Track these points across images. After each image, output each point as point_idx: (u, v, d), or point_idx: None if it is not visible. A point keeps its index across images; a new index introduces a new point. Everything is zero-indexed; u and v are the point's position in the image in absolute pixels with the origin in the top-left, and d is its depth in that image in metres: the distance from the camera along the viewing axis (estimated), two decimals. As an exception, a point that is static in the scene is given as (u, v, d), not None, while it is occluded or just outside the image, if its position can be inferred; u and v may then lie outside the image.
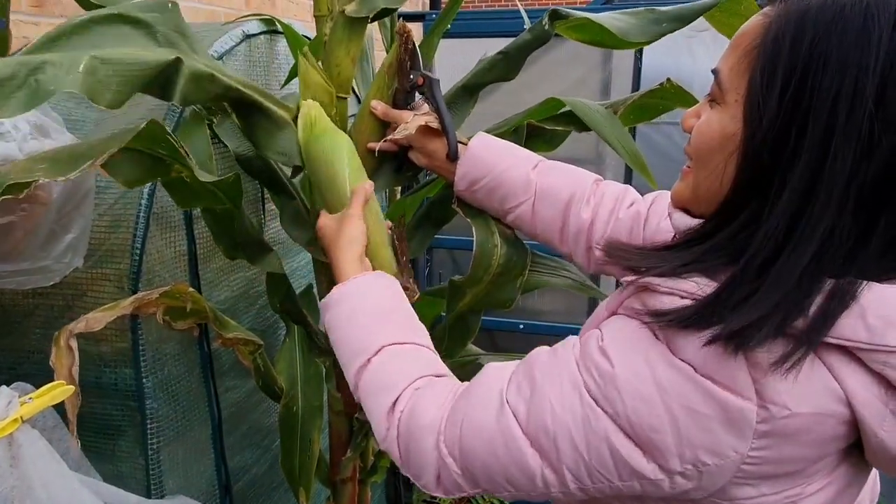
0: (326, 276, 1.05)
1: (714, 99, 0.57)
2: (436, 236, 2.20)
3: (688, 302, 0.51)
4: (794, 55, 0.49)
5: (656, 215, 0.84)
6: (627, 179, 1.94)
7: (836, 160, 0.47)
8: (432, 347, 0.73)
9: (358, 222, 0.79)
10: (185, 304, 0.99)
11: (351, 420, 1.14)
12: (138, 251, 0.95)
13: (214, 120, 1.03)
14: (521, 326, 1.97)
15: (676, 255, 0.55)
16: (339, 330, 0.73)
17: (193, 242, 1.05)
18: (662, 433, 0.51)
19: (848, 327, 0.48)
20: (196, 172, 0.82)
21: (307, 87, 0.90)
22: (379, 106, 0.91)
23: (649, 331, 0.54)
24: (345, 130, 0.96)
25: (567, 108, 0.92)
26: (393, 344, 0.69)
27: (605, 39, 0.90)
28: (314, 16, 0.92)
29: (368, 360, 0.69)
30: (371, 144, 0.94)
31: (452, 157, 0.88)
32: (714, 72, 0.57)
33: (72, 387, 0.67)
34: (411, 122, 0.88)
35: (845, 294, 0.48)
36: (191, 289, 0.99)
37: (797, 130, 0.49)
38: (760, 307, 0.48)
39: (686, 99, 0.93)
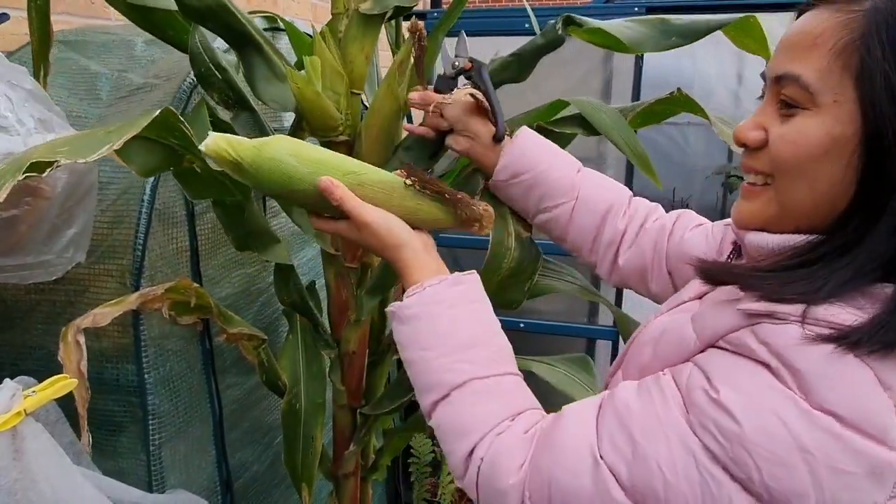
0: (334, 268, 1.05)
1: (792, 105, 0.53)
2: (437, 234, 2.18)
3: (831, 332, 0.46)
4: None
5: (681, 228, 0.83)
6: (629, 179, 1.93)
7: None
8: (515, 370, 0.67)
9: (389, 221, 0.69)
10: (189, 299, 0.99)
11: (354, 413, 1.14)
12: (140, 247, 0.95)
13: (227, 114, 1.02)
14: (522, 325, 1.97)
15: (816, 278, 0.49)
16: (414, 352, 0.66)
17: (195, 238, 1.04)
18: (805, 497, 0.46)
19: None
20: (208, 162, 0.82)
21: (323, 77, 0.90)
22: (415, 94, 0.87)
23: (770, 373, 0.48)
24: (356, 127, 0.96)
25: (572, 111, 0.92)
26: (474, 379, 0.63)
27: (614, 45, 0.90)
28: (332, 13, 0.93)
29: (448, 394, 0.63)
30: (407, 126, 0.91)
31: (499, 137, 0.83)
32: (785, 78, 0.53)
33: (74, 380, 0.66)
34: (456, 94, 0.85)
35: None
36: (195, 284, 0.99)
37: None
38: None
39: (693, 107, 0.93)
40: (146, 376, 0.96)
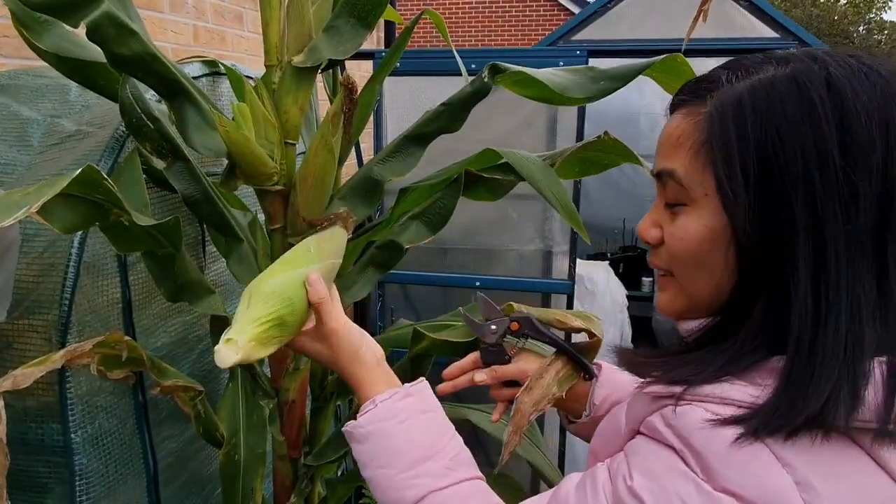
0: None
1: (675, 202, 0.56)
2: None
3: (733, 411, 0.48)
4: (743, 139, 0.50)
5: None
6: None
7: (827, 223, 0.48)
8: (473, 473, 0.69)
9: (348, 329, 0.73)
10: (120, 352, 0.96)
11: (296, 464, 1.12)
12: (67, 301, 0.92)
13: (161, 162, 1.01)
14: (478, 283, 1.93)
15: (705, 359, 0.52)
16: (373, 470, 0.68)
17: (128, 289, 1.02)
18: None
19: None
20: (135, 216, 0.81)
21: (256, 125, 0.90)
22: (485, 375, 0.83)
23: (676, 456, 0.49)
24: (291, 176, 0.96)
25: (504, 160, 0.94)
26: (434, 491, 0.65)
27: (545, 95, 0.92)
28: (265, 65, 0.93)
29: None
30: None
31: (592, 374, 0.82)
32: (661, 174, 0.57)
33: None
34: (545, 379, 0.80)
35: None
36: (126, 337, 0.97)
37: (780, 206, 0.49)
38: (819, 394, 0.46)
39: (624, 152, 0.96)
40: (72, 435, 0.93)
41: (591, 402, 0.82)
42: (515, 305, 0.88)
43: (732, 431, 0.47)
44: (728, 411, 0.48)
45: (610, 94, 0.91)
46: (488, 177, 0.95)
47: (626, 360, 0.60)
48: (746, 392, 0.49)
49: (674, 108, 0.58)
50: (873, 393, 0.47)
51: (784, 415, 0.46)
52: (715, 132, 0.52)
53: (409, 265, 2.12)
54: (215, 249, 1.20)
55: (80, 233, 0.93)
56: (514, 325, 0.81)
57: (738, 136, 0.50)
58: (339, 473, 1.40)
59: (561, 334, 0.86)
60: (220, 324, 1.02)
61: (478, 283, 1.93)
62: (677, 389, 0.51)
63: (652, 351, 0.60)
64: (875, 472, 0.47)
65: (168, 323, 1.13)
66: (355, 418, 0.70)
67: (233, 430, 1.13)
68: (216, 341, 1.06)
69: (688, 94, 0.56)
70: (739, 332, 0.51)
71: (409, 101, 1.92)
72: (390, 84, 1.92)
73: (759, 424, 0.46)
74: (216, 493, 1.26)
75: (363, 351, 0.72)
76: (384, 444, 0.67)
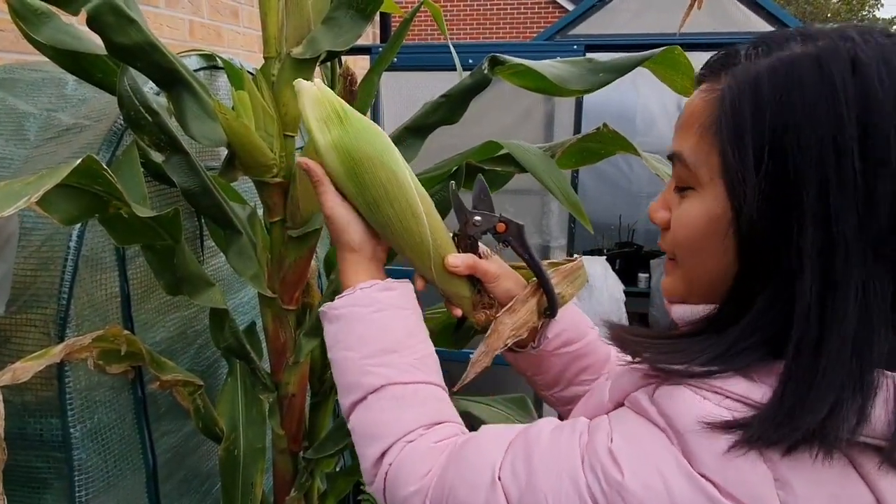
0: (272, 310, 1.03)
1: (684, 185, 0.54)
2: (386, 267, 2.17)
3: (722, 402, 0.47)
4: (759, 123, 0.47)
5: None
6: (573, 209, 1.97)
7: (839, 220, 0.45)
8: (438, 380, 0.66)
9: (338, 216, 0.68)
10: (119, 346, 0.95)
11: (295, 458, 1.12)
12: (66, 295, 0.91)
13: (159, 155, 1.00)
14: None
15: (702, 346, 0.50)
16: (338, 351, 0.66)
17: (126, 283, 1.01)
18: None
19: (883, 423, 0.44)
20: (134, 208, 0.81)
21: (255, 117, 0.90)
22: (460, 261, 0.71)
23: (662, 433, 0.48)
24: (291, 168, 0.96)
25: (505, 152, 0.94)
26: (394, 384, 0.63)
27: (545, 86, 0.92)
28: (263, 56, 0.93)
29: (364, 397, 0.63)
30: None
31: (552, 314, 0.75)
32: (672, 156, 0.55)
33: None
34: (530, 304, 0.73)
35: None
36: (125, 331, 0.96)
37: (790, 196, 0.46)
38: (821, 403, 0.44)
39: (623, 143, 0.96)
40: (71, 430, 0.92)
41: (542, 334, 0.76)
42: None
43: (726, 438, 0.45)
44: (716, 401, 0.47)
45: (608, 84, 0.91)
46: (488, 168, 0.95)
47: (618, 336, 0.58)
48: (741, 385, 0.47)
49: (697, 83, 0.56)
50: (883, 409, 0.44)
51: (782, 424, 0.44)
52: (726, 112, 0.49)
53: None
54: (213, 245, 1.20)
55: (78, 226, 0.93)
56: (501, 227, 0.73)
57: (751, 118, 0.48)
58: (337, 468, 1.40)
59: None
60: (220, 317, 1.02)
61: (476, 279, 1.93)
62: (669, 367, 0.50)
63: (645, 330, 0.58)
64: (857, 484, 0.45)
65: (167, 318, 1.12)
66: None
67: (232, 424, 1.13)
68: (216, 335, 1.06)
69: (707, 70, 0.54)
70: (731, 328, 0.50)
71: (406, 96, 1.92)
72: (388, 80, 1.91)
73: (755, 434, 0.45)
74: (216, 488, 1.26)
75: (360, 243, 0.69)
76: (355, 329, 0.65)
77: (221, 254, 1.21)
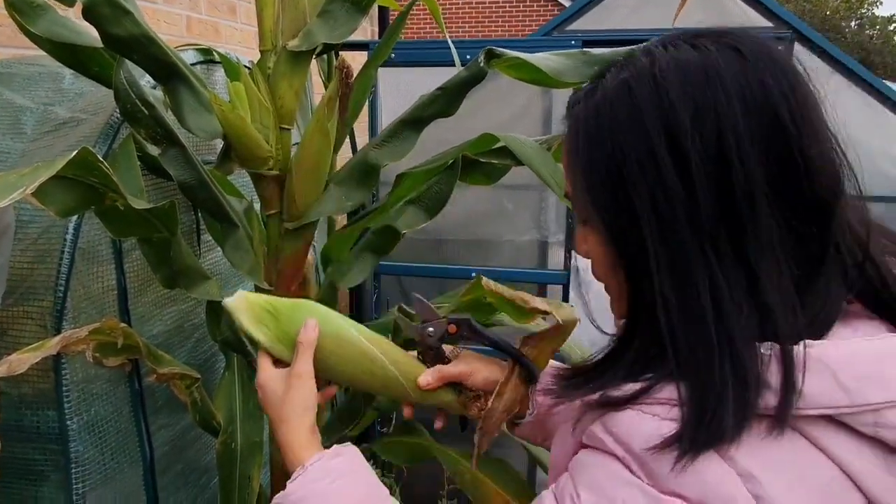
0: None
1: (582, 219, 0.57)
2: (382, 263, 2.17)
3: (658, 411, 0.48)
4: (592, 161, 0.52)
5: None
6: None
7: (674, 231, 0.48)
8: None
9: (308, 383, 0.68)
10: (116, 339, 0.96)
11: (291, 455, 1.12)
12: (62, 287, 0.91)
13: (155, 149, 1.01)
14: (473, 274, 1.92)
15: (614, 369, 0.53)
16: None
17: (123, 276, 1.02)
18: None
19: (822, 394, 0.45)
20: (130, 200, 0.81)
21: (251, 109, 0.90)
22: (430, 377, 0.73)
23: (619, 463, 0.49)
24: (287, 161, 0.96)
25: (501, 145, 0.94)
26: None
27: (541, 79, 0.92)
28: (259, 50, 0.93)
29: None
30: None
31: (533, 380, 0.75)
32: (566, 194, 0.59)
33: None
34: (512, 382, 0.73)
35: (792, 358, 0.45)
36: (122, 324, 0.96)
37: (630, 220, 0.50)
38: (715, 398, 0.46)
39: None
40: (68, 422, 0.92)
41: (532, 400, 0.77)
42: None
43: (672, 449, 0.46)
44: (661, 412, 0.48)
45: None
46: (484, 161, 0.95)
47: (552, 391, 0.60)
48: (666, 391, 0.49)
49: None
50: (816, 379, 0.45)
51: (705, 424, 0.46)
52: (569, 154, 0.54)
53: (405, 256, 2.12)
54: (210, 239, 1.20)
55: (74, 219, 0.93)
56: (452, 328, 0.76)
57: (585, 157, 0.52)
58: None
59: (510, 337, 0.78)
60: (216, 311, 1.02)
61: (473, 274, 1.93)
62: (613, 393, 0.51)
63: (572, 368, 0.61)
64: (817, 457, 0.46)
65: (164, 311, 1.12)
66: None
67: (229, 417, 1.13)
68: (213, 329, 1.06)
69: (572, 101, 0.57)
70: (637, 340, 0.52)
71: (403, 92, 1.92)
72: (385, 75, 1.91)
73: (689, 439, 0.46)
74: (212, 483, 1.26)
75: (309, 415, 0.67)
76: None
77: (218, 248, 1.21)
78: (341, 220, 1.70)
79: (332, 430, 1.14)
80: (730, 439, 0.45)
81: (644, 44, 0.54)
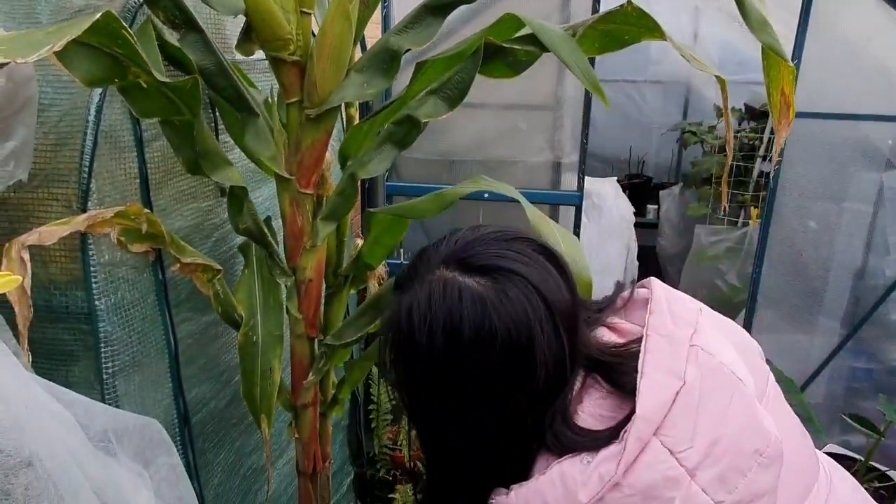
0: (289, 193, 1.03)
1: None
2: (394, 184, 2.16)
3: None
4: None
5: None
6: (585, 128, 1.95)
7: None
8: None
9: None
10: (140, 225, 0.97)
11: (312, 343, 1.14)
12: (87, 170, 0.92)
13: (174, 35, 0.99)
14: (486, 196, 1.88)
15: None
16: None
17: (145, 165, 1.02)
18: None
19: None
20: (154, 73, 0.81)
21: None
22: None
23: None
24: (307, 48, 0.95)
25: (525, 31, 0.92)
26: None
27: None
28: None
29: None
30: None
31: None
32: None
33: (18, 277, 0.65)
34: None
35: None
36: (146, 210, 0.98)
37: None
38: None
39: (649, 24, 0.92)
40: (97, 302, 0.94)
41: None
42: None
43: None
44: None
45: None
46: (508, 47, 0.94)
47: None
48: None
49: None
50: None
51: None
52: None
53: (417, 177, 2.12)
54: (228, 141, 1.20)
55: (96, 101, 0.93)
56: None
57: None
58: (351, 357, 1.43)
59: None
60: (238, 198, 1.02)
61: (486, 196, 1.92)
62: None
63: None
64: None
65: (184, 207, 1.13)
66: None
67: (250, 311, 1.15)
68: (235, 218, 1.06)
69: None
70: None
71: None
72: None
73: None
74: (234, 380, 1.29)
75: None
76: None
77: (237, 150, 1.21)
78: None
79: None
80: None
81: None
